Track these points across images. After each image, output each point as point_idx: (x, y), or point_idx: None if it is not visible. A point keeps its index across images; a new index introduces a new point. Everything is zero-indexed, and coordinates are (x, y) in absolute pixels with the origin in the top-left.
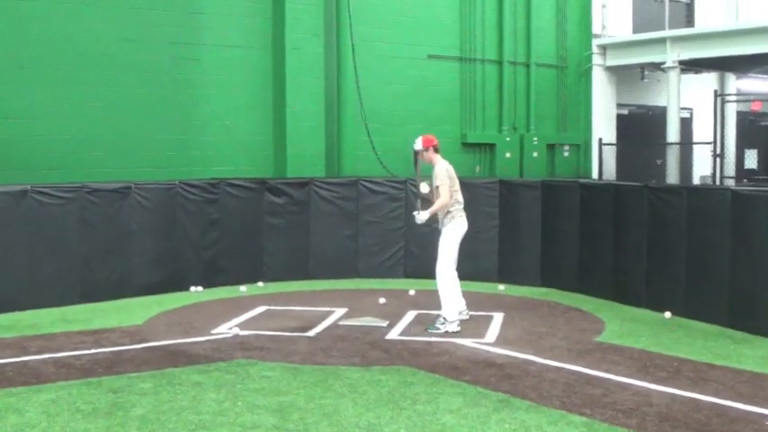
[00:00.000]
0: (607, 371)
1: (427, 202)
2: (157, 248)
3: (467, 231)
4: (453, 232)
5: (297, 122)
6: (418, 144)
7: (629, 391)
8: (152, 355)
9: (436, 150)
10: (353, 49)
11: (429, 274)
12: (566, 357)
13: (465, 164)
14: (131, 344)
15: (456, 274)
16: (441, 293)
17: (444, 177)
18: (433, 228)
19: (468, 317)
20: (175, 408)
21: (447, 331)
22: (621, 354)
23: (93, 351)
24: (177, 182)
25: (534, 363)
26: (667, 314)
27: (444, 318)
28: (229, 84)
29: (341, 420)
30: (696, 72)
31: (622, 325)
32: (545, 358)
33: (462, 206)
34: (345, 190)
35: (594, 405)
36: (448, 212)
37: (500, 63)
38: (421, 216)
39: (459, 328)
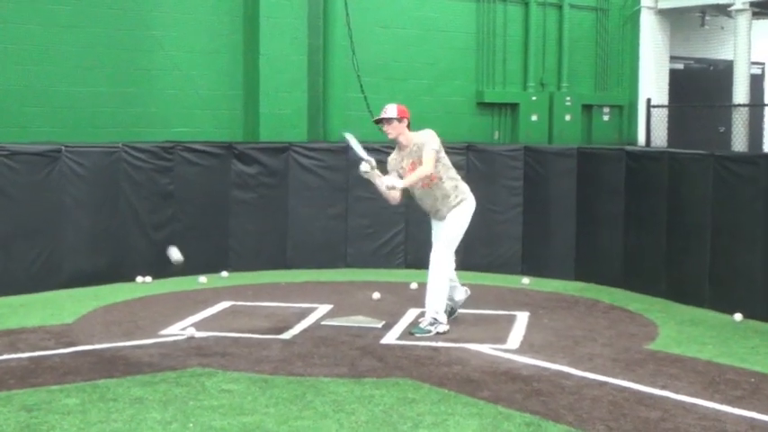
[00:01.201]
0: (664, 387)
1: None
2: (95, 228)
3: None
4: (468, 213)
5: (272, 74)
6: (391, 111)
7: (694, 415)
8: (81, 362)
9: (408, 127)
10: None
11: None
12: (610, 369)
13: (481, 128)
14: (56, 348)
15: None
16: (432, 285)
17: (436, 144)
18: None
19: (467, 294)
20: (107, 431)
21: (438, 332)
22: (682, 366)
23: (4, 357)
24: (121, 144)
25: (570, 376)
26: (738, 316)
27: (434, 317)
28: (189, 23)
29: None
30: None
31: (681, 329)
32: (583, 370)
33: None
34: (332, 158)
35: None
36: (458, 188)
37: (526, 4)
38: (387, 179)
39: (448, 327)
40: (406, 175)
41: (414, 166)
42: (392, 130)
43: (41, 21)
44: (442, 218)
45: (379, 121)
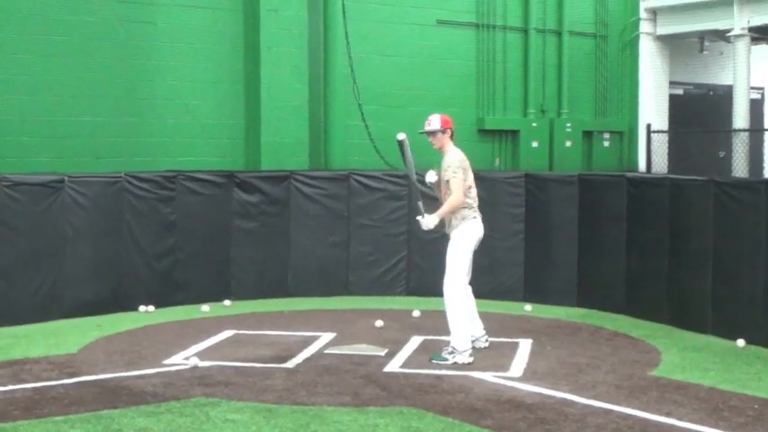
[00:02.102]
0: (668, 414)
1: (431, 200)
2: (98, 258)
3: (482, 237)
4: (464, 236)
5: (274, 102)
6: (435, 122)
7: None
8: (86, 392)
9: (452, 136)
10: (344, 12)
11: (437, 291)
12: (614, 397)
13: (481, 155)
14: (60, 378)
15: (470, 290)
16: (449, 316)
17: (458, 168)
18: (441, 233)
19: (487, 344)
20: None
21: (456, 362)
22: (685, 392)
23: (8, 388)
24: (123, 174)
25: (574, 403)
26: (740, 342)
27: (454, 347)
28: (191, 53)
29: None
30: None
31: (683, 356)
32: (587, 398)
33: (476, 205)
34: (334, 186)
35: None
36: (456, 216)
37: (525, 31)
38: (427, 221)
39: (471, 359)
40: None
41: (440, 181)
42: (436, 142)
43: (41, 51)
44: (450, 230)
45: (427, 133)
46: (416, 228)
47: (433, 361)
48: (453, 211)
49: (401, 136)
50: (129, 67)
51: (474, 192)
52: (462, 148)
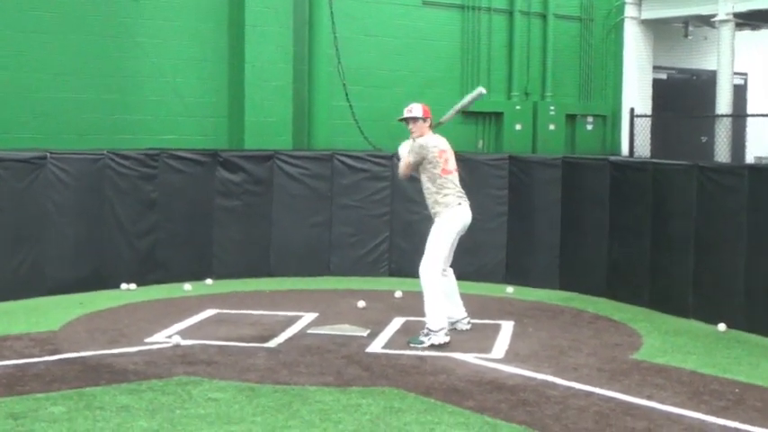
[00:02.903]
0: (650, 397)
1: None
2: (79, 236)
3: (470, 222)
4: (448, 224)
5: (258, 82)
6: (416, 110)
7: (680, 425)
8: (68, 369)
9: (430, 126)
10: None
11: (419, 272)
12: (595, 379)
13: (465, 137)
14: (41, 355)
15: (452, 272)
16: (425, 297)
17: (418, 151)
18: (425, 215)
19: (469, 326)
20: None
21: (433, 344)
22: (667, 376)
23: None
24: (105, 152)
25: (555, 385)
26: (721, 326)
27: (429, 328)
28: (174, 31)
29: None
30: (754, 28)
31: (665, 339)
32: (569, 380)
33: (457, 190)
34: (317, 166)
35: None
36: (437, 201)
37: (510, 13)
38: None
39: (448, 339)
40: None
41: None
42: (416, 130)
43: (23, 27)
44: (435, 216)
45: (404, 119)
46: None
47: (411, 344)
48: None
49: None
50: (112, 45)
51: (455, 177)
52: (446, 130)
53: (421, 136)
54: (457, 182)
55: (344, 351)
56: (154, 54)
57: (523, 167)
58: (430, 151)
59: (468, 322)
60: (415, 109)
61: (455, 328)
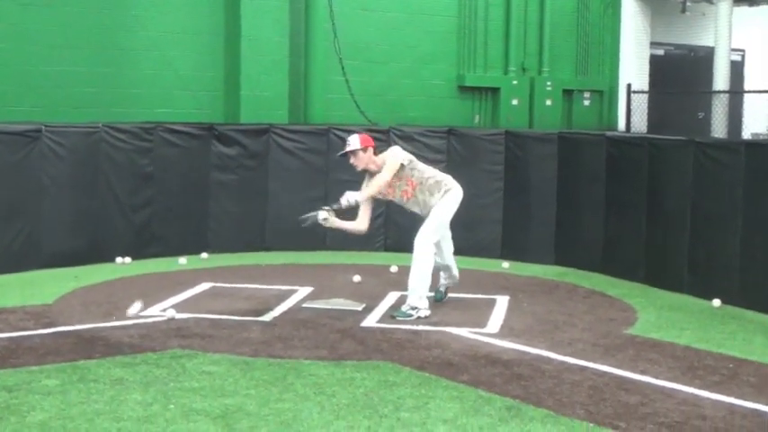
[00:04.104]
0: (644, 372)
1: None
2: (75, 209)
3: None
4: (454, 201)
5: (254, 56)
6: (354, 142)
7: (674, 400)
8: (62, 342)
9: (375, 152)
10: None
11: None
12: (590, 354)
13: (462, 112)
14: (36, 328)
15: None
16: (415, 270)
17: (390, 164)
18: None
19: (452, 282)
20: (88, 412)
21: (419, 317)
22: (661, 351)
23: None
24: (101, 125)
25: (550, 360)
26: (716, 302)
27: (417, 301)
28: (170, 4)
29: (303, 431)
30: (751, 4)
31: (660, 314)
32: (563, 354)
33: (447, 178)
34: (313, 140)
35: (630, 416)
36: (441, 189)
37: None
38: (348, 195)
39: (429, 312)
40: (389, 193)
41: (390, 187)
42: (359, 162)
43: (19, 0)
44: (433, 204)
45: (345, 155)
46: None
47: (398, 318)
48: (377, 191)
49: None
50: (107, 18)
51: (434, 172)
52: (442, 105)
53: (367, 166)
54: (437, 174)
55: (339, 325)
56: (149, 27)
57: (520, 143)
58: (401, 156)
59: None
60: (353, 141)
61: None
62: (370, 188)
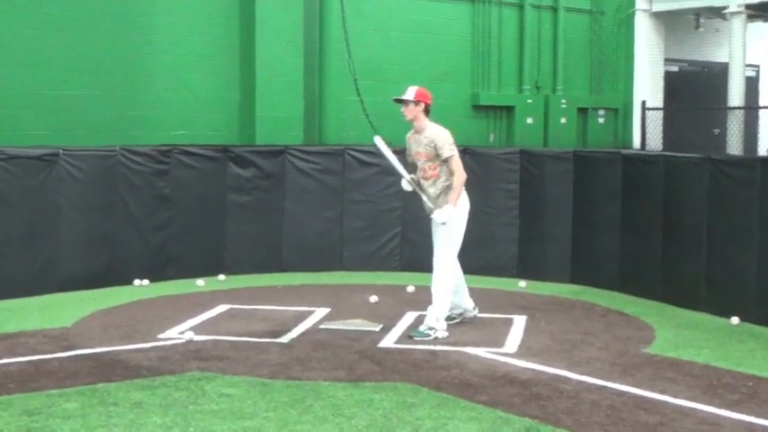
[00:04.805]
0: (663, 391)
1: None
2: (92, 231)
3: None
4: (464, 213)
5: (269, 77)
6: (409, 93)
7: (693, 419)
8: (81, 365)
9: (427, 113)
10: None
11: (431, 266)
12: (608, 373)
13: (476, 130)
14: (55, 352)
15: (458, 265)
16: (437, 289)
17: (452, 145)
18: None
19: (475, 312)
20: None
21: (437, 338)
22: (679, 369)
23: (4, 361)
24: (118, 148)
25: (568, 379)
26: (734, 320)
27: (435, 322)
28: (185, 27)
29: None
30: (766, 20)
31: (677, 333)
32: (581, 374)
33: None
34: (328, 161)
35: None
36: (444, 194)
37: (521, 6)
38: (443, 213)
39: (447, 334)
40: (418, 159)
41: (420, 156)
42: (408, 113)
43: (35, 24)
44: (439, 207)
45: (399, 101)
46: (427, 216)
47: (416, 338)
48: (460, 188)
49: (377, 141)
50: (124, 41)
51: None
52: (457, 124)
53: (415, 120)
54: None
55: (357, 346)
56: (165, 50)
57: (535, 161)
58: (453, 145)
59: (476, 310)
60: (409, 92)
61: (463, 319)
62: (455, 191)
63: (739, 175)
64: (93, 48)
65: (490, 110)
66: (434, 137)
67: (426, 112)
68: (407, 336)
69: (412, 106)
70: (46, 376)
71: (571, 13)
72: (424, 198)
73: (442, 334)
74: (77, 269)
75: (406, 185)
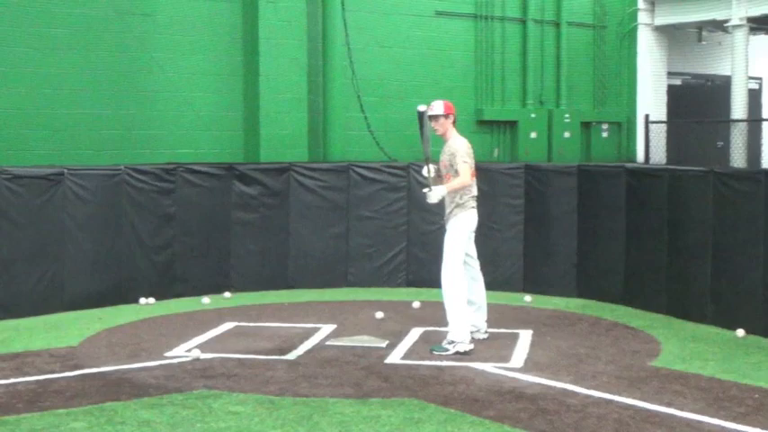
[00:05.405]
0: (669, 404)
1: (438, 180)
2: (98, 250)
3: (477, 226)
4: (462, 225)
5: (273, 94)
6: (438, 108)
7: None
8: (88, 384)
9: (454, 123)
10: (343, 4)
11: (437, 282)
12: (615, 387)
13: (480, 146)
14: (62, 371)
15: (482, 278)
16: (447, 305)
17: (467, 156)
18: (440, 225)
19: (486, 336)
20: None
21: (458, 352)
22: (686, 382)
23: (11, 381)
24: (123, 167)
25: (575, 394)
26: (740, 332)
27: (452, 339)
28: (189, 46)
29: None
30: None
31: (683, 346)
32: (588, 388)
33: (475, 197)
34: (333, 178)
35: None
36: (457, 203)
37: (523, 22)
38: (435, 193)
39: (472, 347)
40: (443, 167)
41: (443, 164)
42: (439, 127)
43: (41, 44)
44: (447, 220)
45: (430, 117)
46: (423, 201)
47: (434, 352)
48: (458, 190)
49: (421, 108)
50: (128, 60)
51: (475, 183)
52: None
53: (444, 134)
54: (475, 188)
55: (363, 362)
56: (169, 69)
57: (539, 176)
58: (467, 152)
59: (486, 332)
60: (437, 107)
61: (473, 337)
62: (453, 183)
63: (743, 188)
64: (97, 67)
65: (494, 125)
66: (454, 148)
67: (454, 123)
68: (428, 350)
69: (443, 120)
70: (53, 395)
71: (574, 27)
72: (428, 175)
73: (464, 347)
74: (83, 288)
75: (425, 171)
